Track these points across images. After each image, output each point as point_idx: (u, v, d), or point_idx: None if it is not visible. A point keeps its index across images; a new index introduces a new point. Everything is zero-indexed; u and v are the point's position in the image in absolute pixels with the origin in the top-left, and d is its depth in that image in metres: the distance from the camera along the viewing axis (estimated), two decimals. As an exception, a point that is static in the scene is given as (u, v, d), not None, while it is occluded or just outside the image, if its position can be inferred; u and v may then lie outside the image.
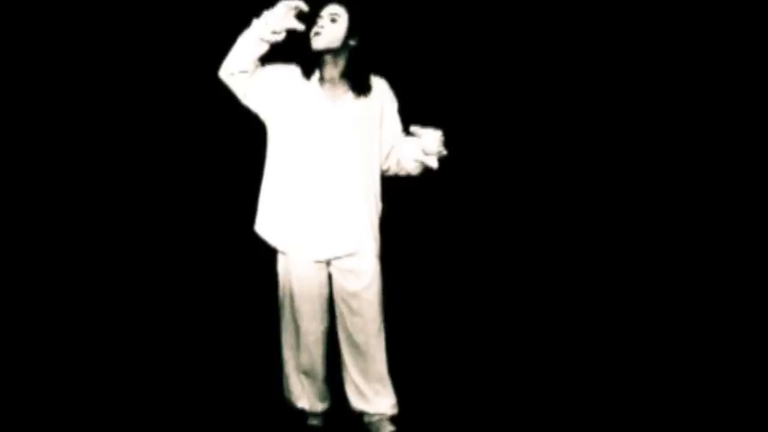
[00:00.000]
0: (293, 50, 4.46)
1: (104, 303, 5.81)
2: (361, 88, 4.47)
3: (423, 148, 4.47)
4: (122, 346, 5.52)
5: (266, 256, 4.66)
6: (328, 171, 4.45)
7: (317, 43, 4.39)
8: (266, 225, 4.55)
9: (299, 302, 4.55)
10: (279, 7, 4.34)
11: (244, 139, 4.47)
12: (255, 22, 4.35)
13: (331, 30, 4.38)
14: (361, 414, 4.67)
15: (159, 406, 4.94)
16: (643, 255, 6.01)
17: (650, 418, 4.80)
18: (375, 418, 4.65)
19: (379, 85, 4.53)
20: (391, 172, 4.63)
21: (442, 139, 4.46)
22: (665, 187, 6.01)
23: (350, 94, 4.47)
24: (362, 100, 4.47)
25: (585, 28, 5.93)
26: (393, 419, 4.67)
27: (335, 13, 4.38)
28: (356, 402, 4.65)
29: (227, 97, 5.60)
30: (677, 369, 5.26)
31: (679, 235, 6.01)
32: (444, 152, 4.49)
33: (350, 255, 4.49)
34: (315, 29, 4.38)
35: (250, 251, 5.31)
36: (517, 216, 6.04)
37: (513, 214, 6.03)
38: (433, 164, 4.50)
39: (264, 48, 4.36)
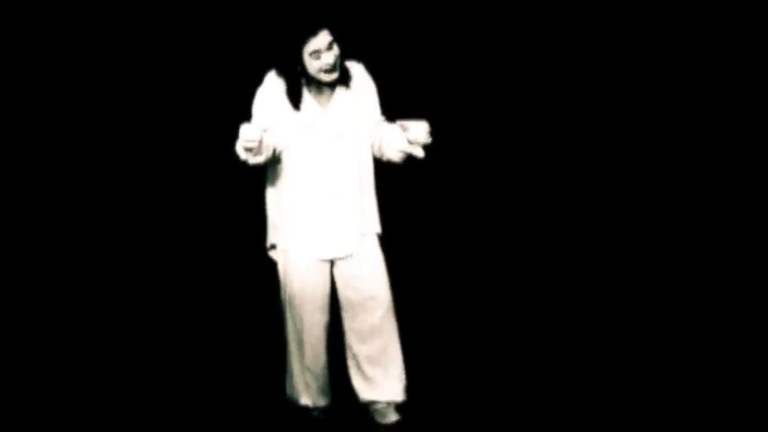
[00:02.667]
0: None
1: (107, 302, 5.80)
2: (346, 78, 4.48)
3: (409, 139, 4.42)
4: (124, 346, 5.51)
5: (267, 252, 4.68)
6: (330, 172, 4.50)
7: (336, 74, 4.41)
8: (273, 230, 4.60)
9: (302, 296, 4.56)
10: (243, 136, 4.27)
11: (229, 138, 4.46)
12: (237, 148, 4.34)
13: (336, 57, 4.38)
14: (367, 404, 4.67)
15: (161, 405, 4.96)
16: (642, 244, 6.00)
17: (650, 418, 4.79)
18: (380, 406, 4.66)
19: (357, 70, 4.56)
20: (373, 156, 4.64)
21: (429, 130, 4.40)
22: (659, 179, 6.00)
23: (338, 90, 4.49)
24: (348, 91, 4.51)
25: (568, 17, 5.92)
26: (399, 407, 4.68)
27: (330, 41, 4.35)
28: (365, 393, 4.65)
29: (224, 99, 5.64)
30: (677, 369, 5.25)
31: (677, 230, 6.00)
32: (429, 141, 4.42)
33: (351, 255, 4.55)
34: (323, 66, 4.35)
35: (250, 248, 5.33)
36: (511, 203, 6.05)
37: (507, 202, 6.04)
38: (420, 154, 4.44)
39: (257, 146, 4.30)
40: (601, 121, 6.00)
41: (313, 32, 4.33)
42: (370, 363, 4.62)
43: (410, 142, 4.43)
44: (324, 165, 4.49)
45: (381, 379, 4.63)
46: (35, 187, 5.87)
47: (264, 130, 4.33)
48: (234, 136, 4.29)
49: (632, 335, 5.45)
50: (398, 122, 4.45)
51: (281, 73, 4.46)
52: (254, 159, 4.35)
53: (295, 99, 4.47)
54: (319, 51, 4.34)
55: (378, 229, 4.61)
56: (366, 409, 4.70)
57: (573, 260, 5.99)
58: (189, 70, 5.91)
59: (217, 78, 5.87)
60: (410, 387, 4.69)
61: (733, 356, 5.31)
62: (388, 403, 4.66)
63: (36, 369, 5.27)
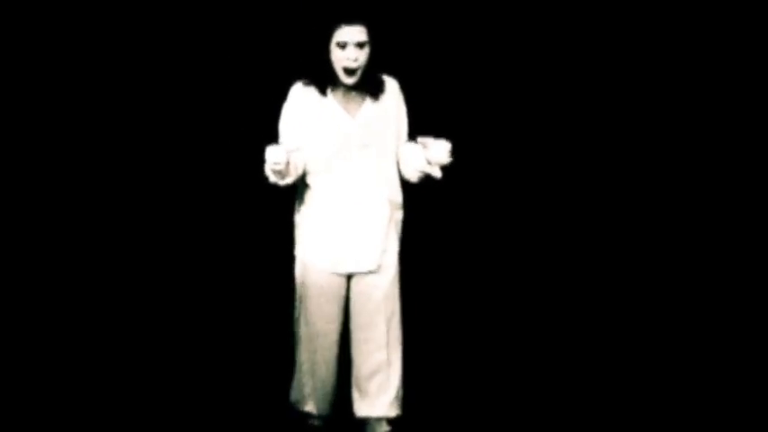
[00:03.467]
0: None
1: (115, 307, 5.80)
2: (378, 90, 4.43)
3: (429, 159, 4.33)
4: (129, 348, 5.52)
5: (281, 256, 4.71)
6: (357, 184, 4.43)
7: (355, 79, 4.33)
8: (299, 240, 4.57)
9: (317, 304, 4.53)
10: (270, 159, 4.22)
11: (260, 138, 4.43)
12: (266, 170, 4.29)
13: (362, 58, 4.31)
14: (362, 419, 4.67)
15: (164, 407, 4.98)
16: (662, 261, 5.99)
17: (650, 418, 4.80)
18: (374, 421, 4.66)
19: (391, 85, 4.49)
20: None
21: (451, 150, 4.30)
22: (698, 196, 5.99)
23: (367, 101, 4.44)
24: (378, 103, 4.44)
25: (589, 34, 5.92)
26: (392, 422, 4.67)
27: (362, 41, 4.28)
28: (360, 407, 4.63)
29: (239, 100, 5.65)
30: (678, 369, 5.26)
31: (693, 243, 6.00)
32: (449, 162, 4.33)
33: (370, 272, 4.51)
34: (346, 63, 4.29)
35: (265, 253, 5.33)
36: (525, 220, 6.04)
37: (521, 219, 6.03)
38: (437, 174, 4.36)
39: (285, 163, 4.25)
40: (616, 142, 6.00)
41: (348, 21, 4.26)
42: (370, 376, 4.59)
43: (429, 161, 4.35)
44: (351, 176, 4.42)
45: (378, 393, 4.60)
46: (51, 189, 5.90)
47: (291, 151, 4.28)
48: (257, 130, 4.27)
49: (623, 354, 5.45)
50: (420, 139, 4.34)
51: (306, 62, 4.38)
52: (282, 181, 4.32)
53: (322, 85, 4.36)
54: (347, 43, 4.27)
55: (397, 246, 4.55)
56: (360, 422, 4.69)
57: (570, 281, 5.99)
58: (220, 53, 5.88)
59: (246, 61, 5.84)
60: (406, 402, 4.69)
61: (733, 356, 5.33)
62: (381, 418, 4.64)
63: (40, 369, 5.27)
